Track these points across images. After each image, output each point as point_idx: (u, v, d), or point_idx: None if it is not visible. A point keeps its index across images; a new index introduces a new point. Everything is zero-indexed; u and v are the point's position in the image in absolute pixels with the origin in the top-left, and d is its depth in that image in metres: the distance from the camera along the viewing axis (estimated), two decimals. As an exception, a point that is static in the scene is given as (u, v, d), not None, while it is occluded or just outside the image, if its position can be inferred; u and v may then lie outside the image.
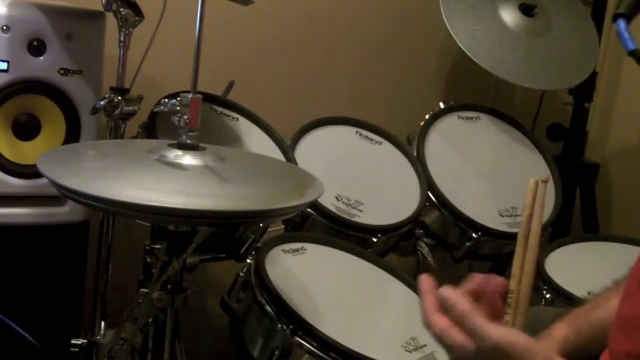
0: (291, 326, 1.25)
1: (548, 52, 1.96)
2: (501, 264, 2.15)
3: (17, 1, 1.43)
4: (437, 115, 1.91)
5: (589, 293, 1.48)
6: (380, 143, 1.84)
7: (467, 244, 1.73)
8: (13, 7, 1.41)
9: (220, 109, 1.66)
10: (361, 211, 1.66)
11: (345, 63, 2.22)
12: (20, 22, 1.41)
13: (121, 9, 1.40)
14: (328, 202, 1.62)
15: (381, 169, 1.80)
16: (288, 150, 1.65)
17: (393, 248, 1.73)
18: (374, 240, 1.62)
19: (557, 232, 1.89)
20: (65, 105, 1.48)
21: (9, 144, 1.45)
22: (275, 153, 1.64)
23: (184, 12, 1.38)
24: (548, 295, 1.55)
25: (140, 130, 1.55)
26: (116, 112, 1.39)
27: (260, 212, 1.08)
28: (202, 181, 1.09)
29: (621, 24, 0.79)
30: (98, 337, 1.47)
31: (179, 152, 1.12)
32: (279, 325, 1.26)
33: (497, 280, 0.88)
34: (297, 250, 1.49)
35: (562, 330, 0.99)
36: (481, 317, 0.78)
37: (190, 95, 1.13)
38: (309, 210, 1.59)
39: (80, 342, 1.46)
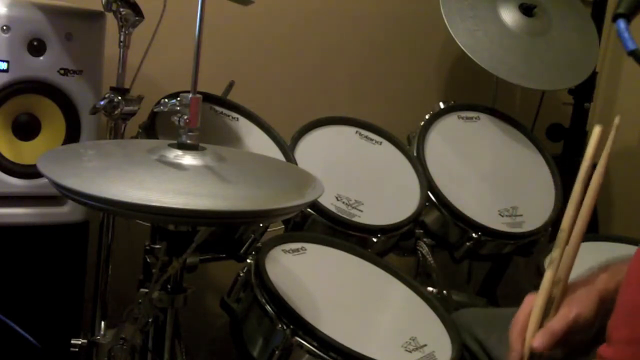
0: (291, 326, 1.25)
1: (548, 52, 1.96)
2: (501, 264, 2.16)
3: (17, 1, 1.43)
4: (437, 115, 1.91)
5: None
6: (380, 143, 1.84)
7: (467, 244, 1.73)
8: (13, 7, 1.41)
9: (220, 109, 1.66)
10: (361, 211, 1.66)
11: (345, 63, 2.22)
12: (20, 22, 1.41)
13: (121, 9, 1.40)
14: (328, 202, 1.62)
15: (381, 169, 1.80)
16: (288, 150, 1.65)
17: (393, 248, 1.73)
18: (374, 240, 1.62)
19: (557, 232, 1.89)
20: (65, 105, 1.48)
21: (9, 144, 1.45)
22: (275, 153, 1.64)
23: (184, 12, 1.38)
24: (548, 295, 1.55)
25: (140, 130, 1.54)
26: (116, 112, 1.39)
27: (260, 212, 1.07)
28: (202, 181, 1.09)
29: (621, 24, 0.80)
30: (98, 337, 1.47)
31: (179, 152, 1.12)
32: (279, 325, 1.26)
33: None
34: (297, 250, 1.49)
35: (603, 280, 0.97)
36: None
37: (190, 95, 1.13)
38: (309, 210, 1.59)
39: (80, 342, 1.46)
